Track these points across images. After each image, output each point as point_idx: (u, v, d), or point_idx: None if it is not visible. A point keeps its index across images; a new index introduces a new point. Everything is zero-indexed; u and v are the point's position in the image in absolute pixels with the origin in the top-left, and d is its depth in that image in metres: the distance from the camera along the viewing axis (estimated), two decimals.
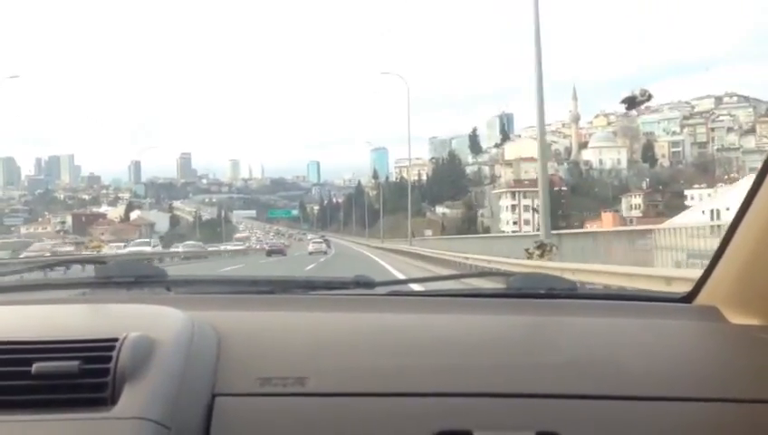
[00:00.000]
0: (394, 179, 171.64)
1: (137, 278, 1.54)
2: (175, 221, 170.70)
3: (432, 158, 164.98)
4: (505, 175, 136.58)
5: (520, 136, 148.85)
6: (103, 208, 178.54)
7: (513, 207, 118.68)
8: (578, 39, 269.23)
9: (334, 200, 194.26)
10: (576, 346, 1.24)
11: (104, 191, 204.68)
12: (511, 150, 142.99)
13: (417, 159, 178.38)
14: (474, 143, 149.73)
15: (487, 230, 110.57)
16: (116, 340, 1.07)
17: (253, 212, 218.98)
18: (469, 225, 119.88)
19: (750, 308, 1.32)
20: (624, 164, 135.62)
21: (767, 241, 1.27)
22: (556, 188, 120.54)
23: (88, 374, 1.03)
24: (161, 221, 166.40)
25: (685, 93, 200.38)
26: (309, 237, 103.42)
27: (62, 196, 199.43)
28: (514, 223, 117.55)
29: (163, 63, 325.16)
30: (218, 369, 1.12)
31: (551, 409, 1.09)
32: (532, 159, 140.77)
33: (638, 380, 1.13)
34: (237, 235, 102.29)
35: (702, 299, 1.44)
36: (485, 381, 1.12)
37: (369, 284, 1.57)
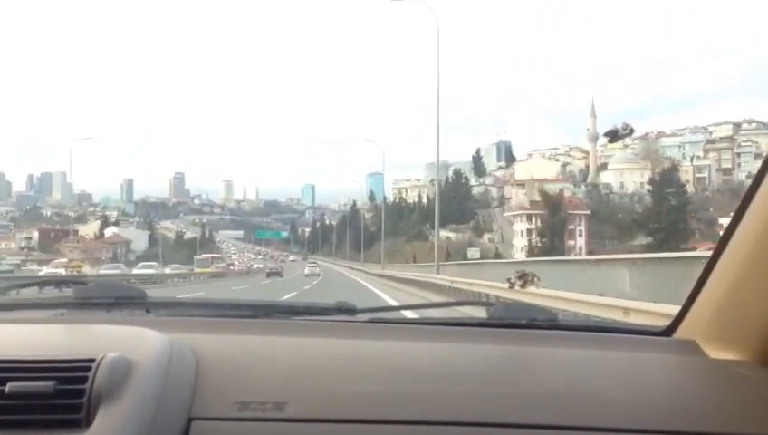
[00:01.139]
0: (392, 201, 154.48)
1: (116, 299, 1.49)
2: (154, 240, 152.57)
3: (432, 180, 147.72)
4: (517, 197, 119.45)
5: (531, 155, 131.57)
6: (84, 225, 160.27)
7: (529, 231, 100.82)
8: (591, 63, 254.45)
9: (327, 222, 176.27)
10: (556, 377, 1.21)
11: (91, 209, 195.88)
12: (522, 171, 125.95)
13: (417, 180, 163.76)
14: (477, 165, 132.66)
15: (499, 256, 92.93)
16: (93, 360, 1.04)
17: (240, 233, 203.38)
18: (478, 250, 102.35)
19: (728, 343, 1.30)
20: (646, 187, 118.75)
21: (746, 276, 1.26)
22: (579, 212, 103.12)
23: (63, 395, 1.00)
24: (139, 239, 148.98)
25: (699, 120, 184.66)
26: (290, 259, 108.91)
27: (48, 212, 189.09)
28: (528, 248, 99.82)
29: (161, 84, 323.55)
30: (196, 392, 1.08)
31: None
32: (546, 180, 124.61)
33: (617, 412, 1.11)
34: (200, 256, 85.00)
35: (681, 333, 1.43)
36: (466, 409, 1.09)
37: (351, 310, 1.53)
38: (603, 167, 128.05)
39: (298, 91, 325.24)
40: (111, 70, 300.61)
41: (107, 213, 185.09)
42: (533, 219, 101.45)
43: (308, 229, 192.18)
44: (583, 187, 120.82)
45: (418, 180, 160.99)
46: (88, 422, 0.98)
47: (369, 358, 1.27)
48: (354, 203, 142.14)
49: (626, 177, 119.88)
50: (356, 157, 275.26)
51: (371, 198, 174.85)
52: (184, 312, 1.62)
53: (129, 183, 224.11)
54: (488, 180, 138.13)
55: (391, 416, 1.07)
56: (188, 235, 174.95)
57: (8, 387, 1.00)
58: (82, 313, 1.49)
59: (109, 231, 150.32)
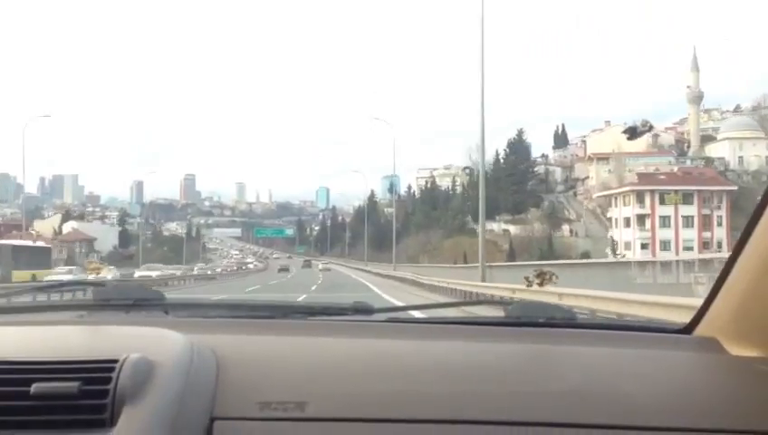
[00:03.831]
0: (422, 189, 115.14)
1: (135, 301, 1.44)
2: (126, 237, 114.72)
3: (465, 168, 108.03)
4: (598, 175, 79.49)
5: (609, 123, 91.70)
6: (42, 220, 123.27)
7: (642, 219, 60.68)
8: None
9: (340, 219, 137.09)
10: (575, 375, 1.16)
11: (89, 208, 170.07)
12: (596, 144, 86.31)
13: (446, 168, 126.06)
14: (512, 149, 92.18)
15: (586, 255, 58.41)
16: (116, 361, 1.02)
17: (237, 231, 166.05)
18: (552, 246, 63.60)
19: (749, 340, 1.24)
20: None
21: (766, 273, 1.20)
22: (721, 188, 63.39)
23: (87, 396, 0.98)
24: (105, 237, 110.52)
25: None
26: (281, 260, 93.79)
27: (50, 213, 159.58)
28: (643, 245, 59.68)
29: (175, 87, 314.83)
30: (217, 392, 1.05)
31: None
32: (637, 154, 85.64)
33: (637, 409, 1.07)
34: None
35: (701, 330, 1.35)
36: (485, 408, 1.06)
37: (368, 310, 1.47)
38: (708, 138, 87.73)
39: (313, 93, 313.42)
40: (126, 73, 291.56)
41: (107, 213, 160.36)
42: (650, 200, 61.38)
43: (317, 227, 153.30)
44: (689, 162, 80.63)
45: (447, 168, 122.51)
46: (112, 422, 0.95)
47: (387, 357, 1.22)
48: (372, 193, 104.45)
49: (746, 149, 79.56)
50: (371, 159, 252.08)
51: (391, 190, 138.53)
52: (202, 313, 1.57)
53: (139, 185, 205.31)
54: (539, 160, 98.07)
55: (411, 415, 1.04)
56: (175, 233, 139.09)
57: (33, 388, 0.97)
58: (102, 314, 1.46)
59: (67, 226, 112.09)
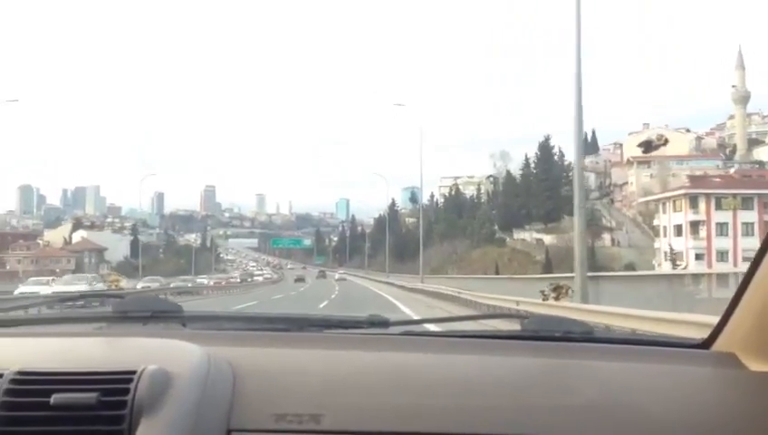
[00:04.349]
0: (445, 197, 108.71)
1: (153, 313, 1.45)
2: (138, 247, 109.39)
3: (489, 176, 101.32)
4: (639, 180, 72.57)
5: (647, 126, 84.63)
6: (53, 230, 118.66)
7: (696, 226, 53.65)
8: None
9: (360, 229, 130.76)
10: (592, 390, 1.15)
11: (109, 219, 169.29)
12: (633, 148, 79.24)
13: (470, 177, 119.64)
14: (545, 153, 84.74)
15: (631, 267, 53.16)
16: (134, 372, 1.02)
17: (254, 241, 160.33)
18: (594, 257, 56.81)
19: None
20: None
21: None
22: None
23: (106, 407, 0.98)
24: (116, 247, 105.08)
25: None
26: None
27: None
28: (698, 256, 52.64)
29: (198, 100, 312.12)
30: (233, 404, 1.05)
31: None
32: (680, 157, 78.52)
33: (655, 425, 1.06)
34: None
35: (720, 345, 1.32)
36: (501, 422, 1.05)
37: (384, 323, 1.46)
38: (755, 142, 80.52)
39: (335, 106, 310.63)
40: (149, 87, 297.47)
41: (125, 223, 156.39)
42: (705, 204, 54.43)
43: (336, 238, 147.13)
44: (736, 165, 73.42)
45: (471, 177, 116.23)
46: (130, 433, 0.96)
47: (402, 370, 1.21)
48: (393, 202, 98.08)
49: None
50: (391, 170, 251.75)
51: (413, 199, 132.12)
52: (219, 325, 1.57)
53: (160, 196, 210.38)
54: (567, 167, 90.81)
55: (426, 428, 1.04)
56: (189, 243, 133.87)
57: (53, 399, 0.98)
58: (121, 326, 1.47)
59: (77, 236, 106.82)
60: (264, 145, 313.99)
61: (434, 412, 1.06)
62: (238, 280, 67.23)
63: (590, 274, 18.48)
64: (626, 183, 79.15)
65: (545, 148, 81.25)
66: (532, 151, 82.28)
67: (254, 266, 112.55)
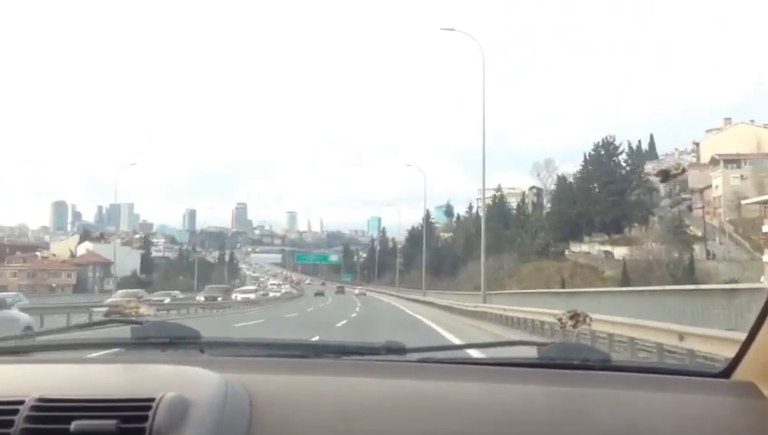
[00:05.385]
0: (489, 206, 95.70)
1: (171, 339, 1.43)
2: (148, 262, 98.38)
3: (533, 187, 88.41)
4: (727, 183, 59.02)
5: (729, 121, 70.92)
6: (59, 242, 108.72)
7: None
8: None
9: (390, 245, 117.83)
10: (611, 419, 1.12)
11: (137, 235, 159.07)
12: (710, 149, 65.69)
13: (512, 188, 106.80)
14: (608, 154, 70.71)
15: (735, 284, 30.10)
16: (152, 400, 1.02)
17: (277, 257, 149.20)
18: (693, 271, 43.34)
19: None
20: None
21: None
22: None
23: (125, 433, 0.98)
24: (124, 261, 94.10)
25: None
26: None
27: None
28: None
29: (233, 119, 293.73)
30: (250, 431, 1.05)
31: None
32: None
33: None
34: (212, 286, 47.81)
35: (739, 374, 1.28)
36: None
37: (401, 350, 1.43)
38: None
39: (367, 123, 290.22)
40: (181, 104, 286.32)
41: (153, 239, 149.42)
42: None
43: (365, 255, 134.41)
44: None
45: (513, 188, 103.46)
46: None
47: (419, 398, 1.19)
48: (428, 213, 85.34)
49: None
50: (423, 190, 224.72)
51: (448, 213, 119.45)
52: (237, 352, 1.56)
53: (192, 214, 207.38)
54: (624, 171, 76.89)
55: None
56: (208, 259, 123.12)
57: (73, 426, 0.98)
58: (139, 352, 1.46)
59: (81, 248, 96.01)
60: (296, 163, 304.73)
61: None
62: (237, 298, 51.23)
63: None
64: (708, 187, 65.42)
65: (608, 147, 67.97)
66: (601, 143, 68.61)
67: (273, 284, 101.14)
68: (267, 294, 59.72)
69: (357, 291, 78.10)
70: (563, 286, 44.10)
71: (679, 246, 51.26)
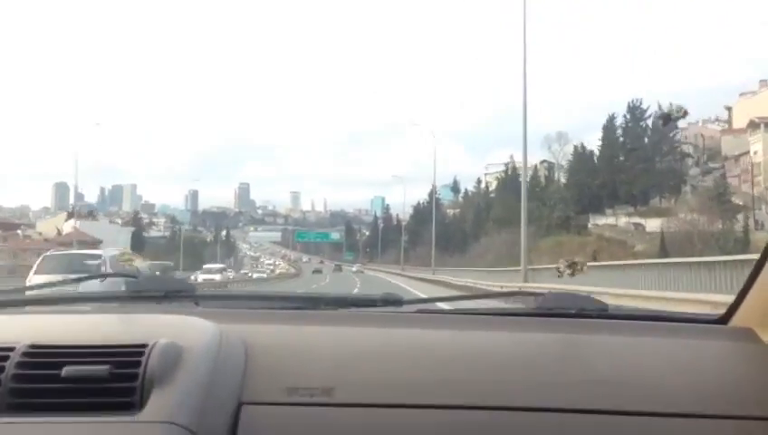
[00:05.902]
0: (493, 184, 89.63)
1: (166, 292, 1.43)
2: (139, 238, 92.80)
3: (544, 161, 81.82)
4: (767, 148, 52.31)
5: (766, 81, 64.51)
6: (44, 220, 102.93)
7: None
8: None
9: (395, 222, 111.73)
10: (609, 363, 1.14)
11: (140, 216, 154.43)
12: (743, 113, 59.28)
13: (520, 162, 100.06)
14: (635, 119, 63.26)
15: None
16: (145, 346, 1.01)
17: (277, 235, 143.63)
18: (748, 242, 36.90)
19: None
20: None
21: None
22: None
23: (117, 379, 0.97)
24: (114, 239, 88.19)
25: None
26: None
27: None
28: None
29: (234, 98, 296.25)
30: (245, 378, 1.05)
31: (582, 424, 1.01)
32: None
33: (671, 397, 1.04)
34: (208, 265, 45.07)
35: (737, 321, 1.30)
36: (515, 395, 1.04)
37: (398, 301, 1.44)
38: None
39: (370, 103, 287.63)
40: (185, 85, 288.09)
41: (154, 220, 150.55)
42: None
43: (367, 232, 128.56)
44: None
45: (521, 162, 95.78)
46: (141, 405, 0.95)
47: (416, 346, 1.20)
48: (434, 188, 79.11)
49: None
50: (430, 165, 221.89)
51: (455, 189, 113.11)
52: (232, 304, 1.56)
53: (194, 194, 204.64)
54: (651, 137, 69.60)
55: (438, 401, 1.02)
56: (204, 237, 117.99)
57: (64, 371, 0.97)
58: (134, 304, 1.45)
59: (67, 226, 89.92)
60: (299, 141, 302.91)
61: (446, 386, 1.05)
62: (217, 277, 45.92)
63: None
64: (744, 153, 58.98)
65: (634, 111, 61.34)
66: (626, 108, 62.06)
67: (269, 264, 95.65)
68: (249, 274, 53.95)
69: (354, 268, 76.70)
70: (595, 261, 38.22)
71: (723, 216, 45.14)
